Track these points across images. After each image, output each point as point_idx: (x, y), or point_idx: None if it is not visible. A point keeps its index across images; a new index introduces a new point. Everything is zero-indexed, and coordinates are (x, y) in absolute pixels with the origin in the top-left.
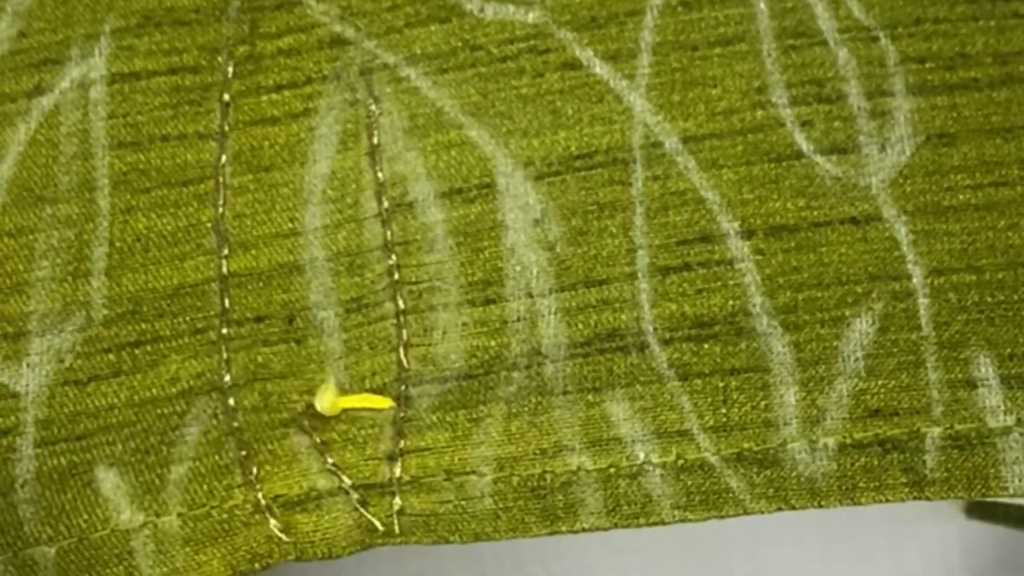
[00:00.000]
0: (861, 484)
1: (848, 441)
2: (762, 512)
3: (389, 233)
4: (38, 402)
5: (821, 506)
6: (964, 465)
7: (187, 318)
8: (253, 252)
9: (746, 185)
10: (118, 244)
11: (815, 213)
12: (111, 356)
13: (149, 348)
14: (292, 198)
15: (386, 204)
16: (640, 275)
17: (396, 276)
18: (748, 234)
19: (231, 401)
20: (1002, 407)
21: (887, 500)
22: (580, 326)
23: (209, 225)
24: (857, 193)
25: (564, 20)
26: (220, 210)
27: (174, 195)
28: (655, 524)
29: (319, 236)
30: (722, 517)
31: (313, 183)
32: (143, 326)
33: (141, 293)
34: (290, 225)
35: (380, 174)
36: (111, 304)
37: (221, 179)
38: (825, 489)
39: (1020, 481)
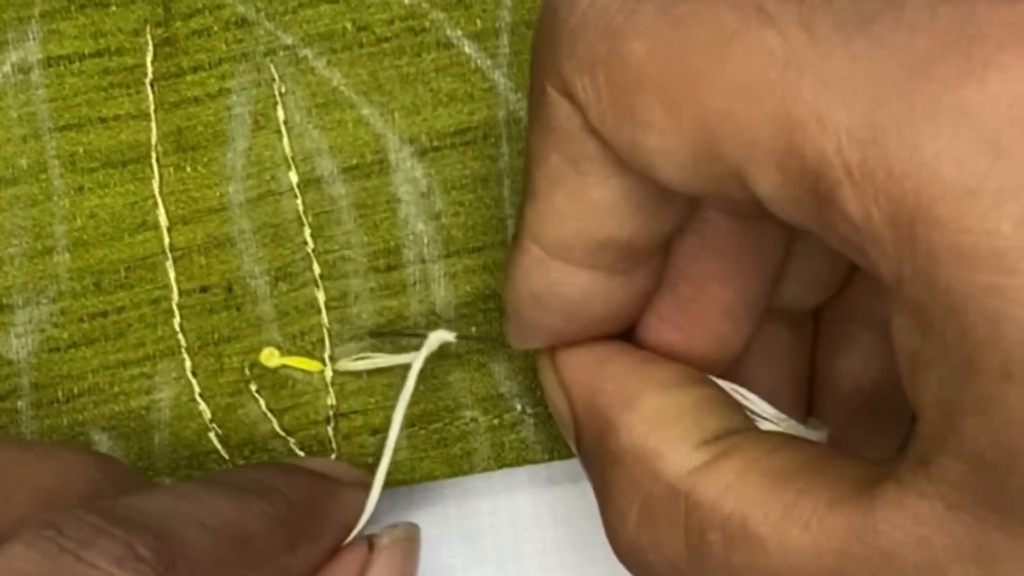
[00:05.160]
0: None
1: None
2: None
3: (302, 206)
4: (29, 368)
5: None
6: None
7: (144, 289)
8: (191, 227)
9: None
10: (77, 222)
11: None
12: (84, 325)
13: (115, 317)
14: (218, 175)
15: (296, 180)
16: (510, 243)
17: (311, 247)
18: None
19: (188, 363)
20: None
21: None
22: (466, 288)
23: (151, 202)
24: None
25: (435, 0)
26: (157, 188)
27: (117, 174)
28: (530, 464)
29: (244, 210)
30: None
31: (234, 160)
32: (107, 297)
33: (100, 267)
34: (219, 201)
35: (289, 151)
36: (77, 278)
37: (155, 158)
38: None
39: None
